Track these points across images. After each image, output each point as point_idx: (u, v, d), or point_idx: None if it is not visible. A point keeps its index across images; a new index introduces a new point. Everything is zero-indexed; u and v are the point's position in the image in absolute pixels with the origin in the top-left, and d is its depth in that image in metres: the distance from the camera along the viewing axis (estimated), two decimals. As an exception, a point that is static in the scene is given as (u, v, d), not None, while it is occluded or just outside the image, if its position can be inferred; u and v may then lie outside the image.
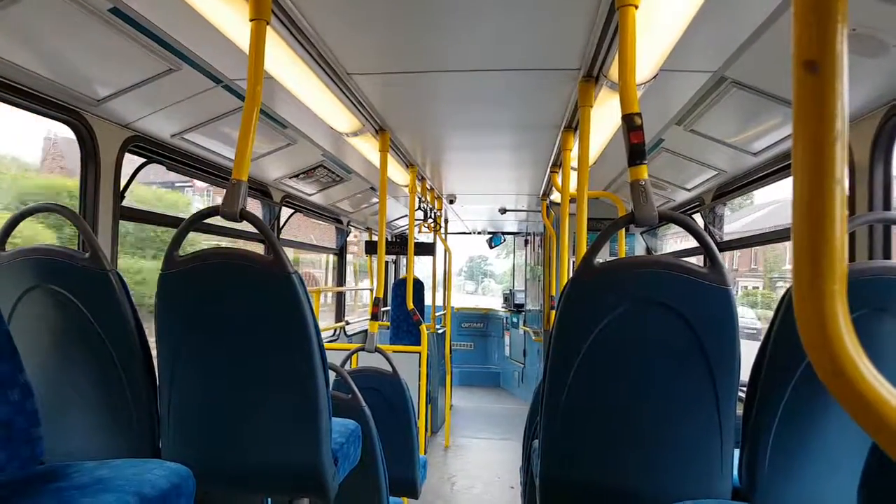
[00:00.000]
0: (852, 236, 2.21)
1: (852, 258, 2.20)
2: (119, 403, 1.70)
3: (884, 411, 0.42)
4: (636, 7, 1.63)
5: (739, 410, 1.45)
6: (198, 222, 1.67)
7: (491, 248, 9.37)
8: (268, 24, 1.71)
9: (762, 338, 1.46)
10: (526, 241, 9.05)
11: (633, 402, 1.45)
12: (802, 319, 0.46)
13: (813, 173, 0.46)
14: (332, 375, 2.39)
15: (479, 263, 37.23)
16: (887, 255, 2.10)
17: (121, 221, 2.65)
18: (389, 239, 7.38)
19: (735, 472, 1.47)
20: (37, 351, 1.70)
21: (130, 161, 2.78)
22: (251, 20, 1.69)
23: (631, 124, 1.52)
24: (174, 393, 1.65)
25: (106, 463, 1.32)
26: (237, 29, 1.93)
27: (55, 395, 1.71)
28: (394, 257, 8.38)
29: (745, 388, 1.50)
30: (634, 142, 1.50)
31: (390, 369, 3.07)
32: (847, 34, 0.45)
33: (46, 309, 1.69)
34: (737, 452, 1.49)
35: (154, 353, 1.69)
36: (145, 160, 2.91)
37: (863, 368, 0.44)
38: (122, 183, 2.64)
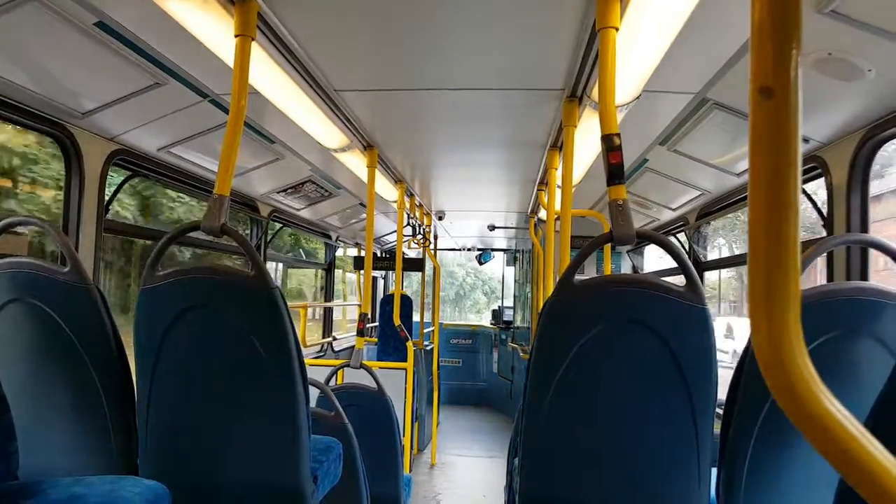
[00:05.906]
0: (830, 257, 2.24)
1: (830, 279, 2.23)
2: (96, 419, 1.67)
3: (832, 429, 0.43)
4: (617, 30, 1.66)
5: (717, 429, 1.45)
6: (179, 237, 1.67)
7: (480, 264, 9.38)
8: (253, 39, 1.73)
9: (739, 356, 1.47)
10: (515, 258, 9.07)
11: (611, 419, 1.45)
12: (757, 339, 0.47)
13: (768, 196, 0.47)
14: (315, 392, 2.36)
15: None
16: (864, 277, 2.13)
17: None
18: (378, 254, 7.37)
19: (712, 490, 1.47)
20: (14, 365, 1.68)
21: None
22: (236, 36, 1.70)
23: (610, 144, 1.54)
24: (152, 409, 1.63)
25: (81, 479, 1.30)
26: (223, 44, 1.93)
27: (32, 410, 1.68)
28: (383, 273, 8.36)
29: (722, 407, 1.51)
30: (613, 162, 1.52)
31: (376, 386, 3.05)
32: (802, 61, 0.46)
33: (25, 323, 1.67)
34: (714, 471, 1.49)
35: (133, 368, 1.67)
36: (130, 174, 2.90)
37: (815, 388, 0.45)
38: (107, 196, 2.63)
